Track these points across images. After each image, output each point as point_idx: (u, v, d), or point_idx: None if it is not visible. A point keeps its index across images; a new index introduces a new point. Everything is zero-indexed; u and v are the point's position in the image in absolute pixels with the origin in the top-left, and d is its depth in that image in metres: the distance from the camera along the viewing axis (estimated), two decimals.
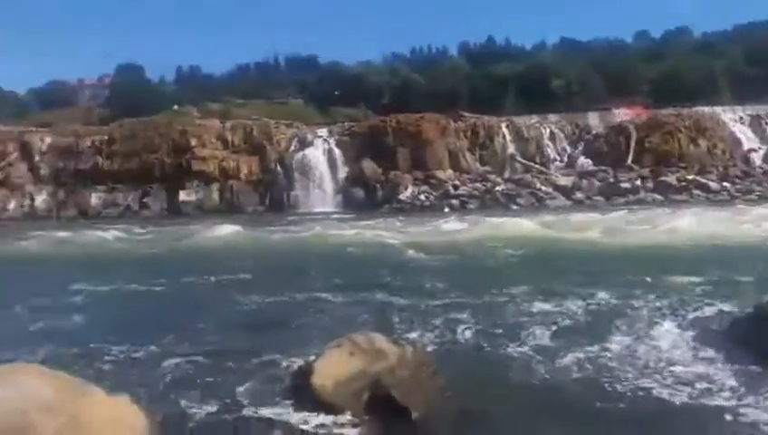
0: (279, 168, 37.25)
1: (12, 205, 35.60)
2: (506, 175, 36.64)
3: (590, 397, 5.21)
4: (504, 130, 38.83)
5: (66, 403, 3.32)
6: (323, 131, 39.91)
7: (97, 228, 24.05)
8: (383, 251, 14.98)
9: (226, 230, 21.38)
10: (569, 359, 6.09)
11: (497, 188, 34.46)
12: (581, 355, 6.18)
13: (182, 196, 35.40)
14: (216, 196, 36.05)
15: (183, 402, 5.04)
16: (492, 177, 35.82)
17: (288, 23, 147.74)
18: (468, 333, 7.07)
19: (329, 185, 36.74)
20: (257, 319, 8.08)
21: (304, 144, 38.37)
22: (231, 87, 63.31)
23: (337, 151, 37.54)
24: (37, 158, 38.64)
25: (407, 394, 4.92)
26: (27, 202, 35.98)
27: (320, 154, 37.61)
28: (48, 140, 39.88)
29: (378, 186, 35.31)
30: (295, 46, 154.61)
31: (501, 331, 7.12)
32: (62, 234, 22.17)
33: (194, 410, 4.88)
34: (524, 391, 5.42)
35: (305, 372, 5.22)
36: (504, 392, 5.45)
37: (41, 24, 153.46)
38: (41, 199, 36.29)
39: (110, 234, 21.82)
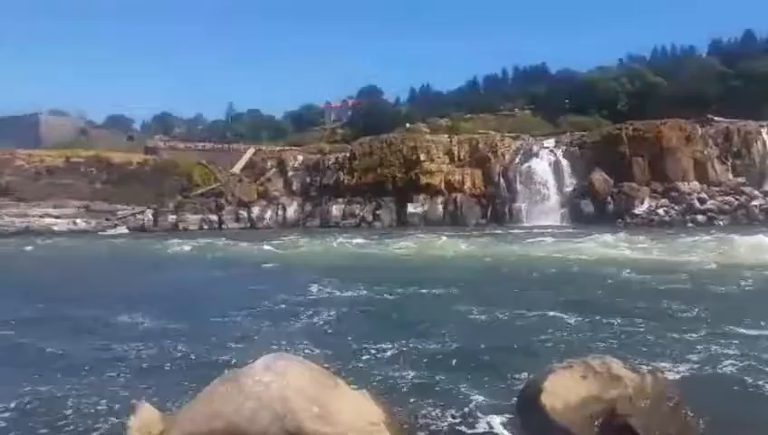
0: (502, 180, 37.23)
1: (268, 214, 41.13)
2: (765, 188, 31.84)
3: None
4: (765, 135, 33.80)
5: (319, 393, 3.66)
6: (550, 142, 38.90)
7: (336, 236, 26.51)
8: (617, 270, 13.97)
9: (447, 241, 21.97)
10: None
11: (753, 202, 30.17)
12: None
13: (409, 208, 37.34)
14: (440, 208, 37.33)
15: (415, 404, 5.25)
16: (747, 190, 31.45)
17: (517, 34, 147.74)
18: (724, 368, 6.20)
19: (554, 197, 35.62)
20: (484, 330, 8.10)
21: (529, 156, 37.79)
22: (460, 102, 65.07)
23: (564, 162, 36.27)
24: (290, 173, 44.16)
25: (646, 425, 4.51)
26: (280, 212, 41.25)
27: (545, 166, 36.71)
28: (300, 157, 45.38)
29: (608, 199, 33.23)
30: (525, 57, 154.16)
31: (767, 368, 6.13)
32: (306, 240, 24.84)
33: (425, 413, 5.06)
34: None
35: (534, 390, 5.07)
36: None
37: (296, 54, 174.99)
38: (292, 210, 41.29)
39: (348, 241, 23.87)
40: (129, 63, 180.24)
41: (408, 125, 57.22)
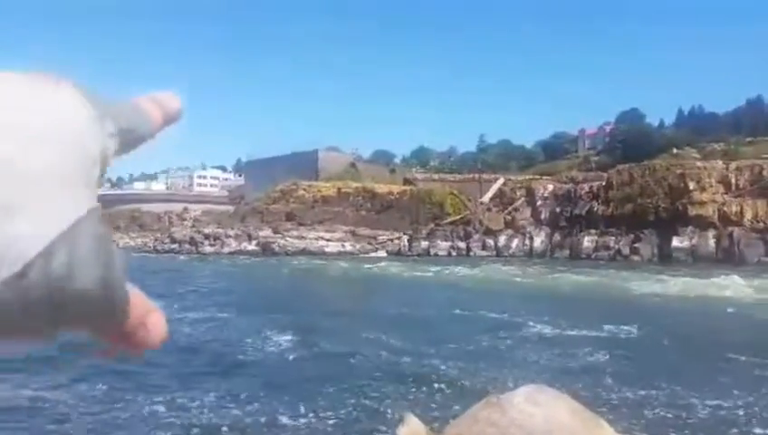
0: None
1: (515, 243, 40.93)
2: None
3: None
4: None
5: (583, 431, 3.54)
6: None
7: (589, 270, 25.21)
8: None
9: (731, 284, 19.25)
10: None
11: None
12: None
13: (674, 242, 33.75)
14: (711, 243, 33.07)
15: None
16: None
17: None
18: None
19: None
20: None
21: None
22: (738, 124, 57.52)
23: None
24: (539, 203, 43.48)
25: None
26: (527, 242, 40.70)
27: None
28: (549, 187, 44.50)
29: None
30: None
31: None
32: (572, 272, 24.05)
33: None
34: None
35: None
36: None
37: (548, 81, 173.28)
38: (539, 240, 40.47)
39: (602, 276, 22.54)
40: (391, 105, 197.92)
41: (674, 150, 52.25)
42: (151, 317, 0.30)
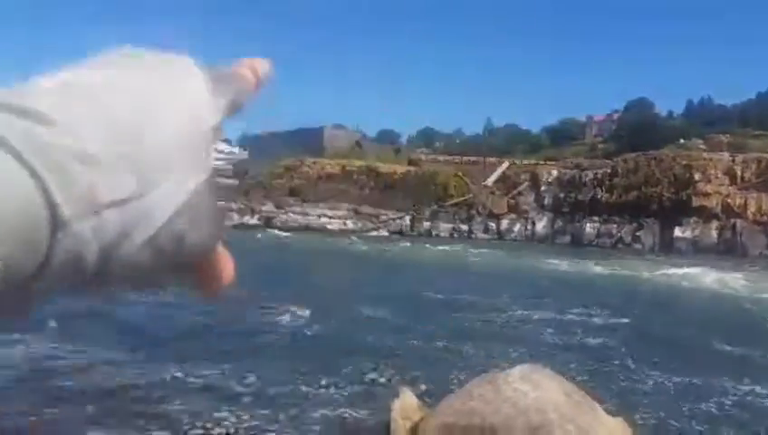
0: None
1: (517, 227, 41.01)
2: None
3: None
4: None
5: (576, 412, 3.61)
6: None
7: (589, 256, 25.23)
8: None
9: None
10: None
11: None
12: None
13: (677, 232, 33.76)
14: (713, 234, 33.07)
15: None
16: None
17: None
18: None
19: None
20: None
21: None
22: (746, 117, 57.03)
23: None
24: (543, 188, 43.37)
25: None
26: (529, 226, 40.76)
27: None
28: (554, 172, 44.35)
29: None
30: None
31: None
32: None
33: None
34: None
35: None
36: None
37: (555, 67, 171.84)
38: (541, 225, 40.54)
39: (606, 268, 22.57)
40: (399, 84, 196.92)
41: (681, 141, 51.93)
42: (222, 256, 0.33)
